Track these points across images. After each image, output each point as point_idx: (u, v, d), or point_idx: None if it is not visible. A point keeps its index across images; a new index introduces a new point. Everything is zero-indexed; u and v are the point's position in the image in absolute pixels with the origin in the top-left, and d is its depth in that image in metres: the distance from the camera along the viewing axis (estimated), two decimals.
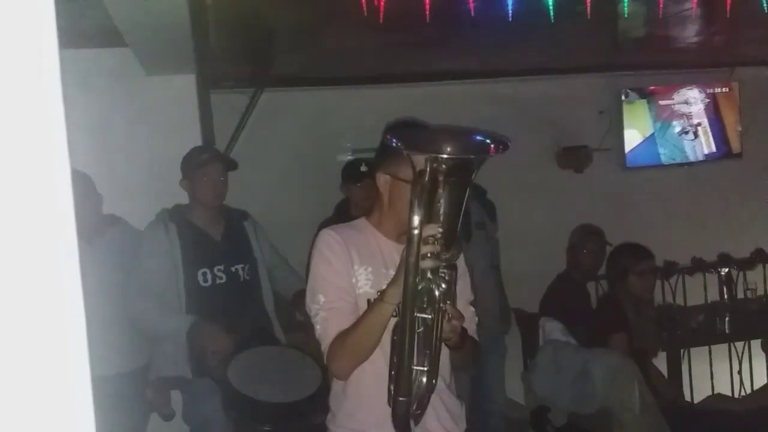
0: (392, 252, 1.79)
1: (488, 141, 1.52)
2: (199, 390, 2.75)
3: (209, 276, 2.84)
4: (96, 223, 2.94)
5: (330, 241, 1.78)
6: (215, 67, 3.98)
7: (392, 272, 1.74)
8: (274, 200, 4.42)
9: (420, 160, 1.50)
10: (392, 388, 1.60)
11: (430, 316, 1.53)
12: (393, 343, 1.63)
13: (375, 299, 1.71)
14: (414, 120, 2.11)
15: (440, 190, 1.48)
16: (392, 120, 2.20)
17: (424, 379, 1.59)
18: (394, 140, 1.58)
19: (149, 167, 3.35)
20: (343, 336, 1.70)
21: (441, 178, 1.47)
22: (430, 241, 1.49)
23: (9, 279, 0.52)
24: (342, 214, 3.43)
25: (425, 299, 1.52)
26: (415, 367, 1.57)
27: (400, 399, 1.57)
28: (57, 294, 0.54)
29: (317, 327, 1.76)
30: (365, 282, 1.77)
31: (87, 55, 3.29)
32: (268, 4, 3.00)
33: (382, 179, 1.79)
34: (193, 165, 2.89)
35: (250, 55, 4.17)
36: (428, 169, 1.46)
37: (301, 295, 3.04)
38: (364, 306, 1.75)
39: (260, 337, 2.83)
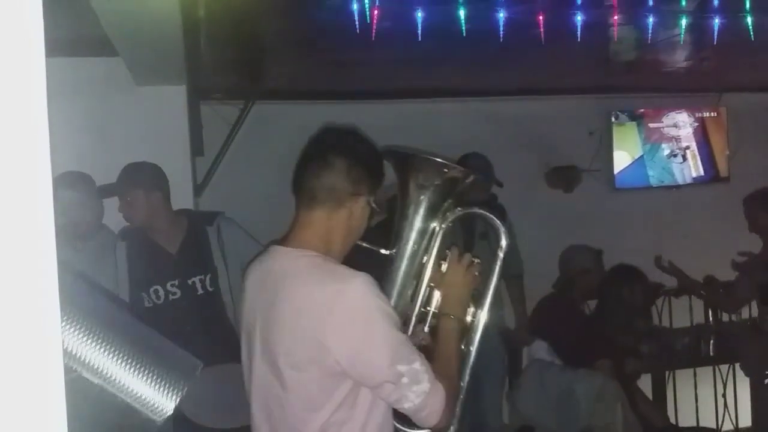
0: None
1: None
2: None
3: (161, 292, 2.75)
4: (91, 231, 2.88)
5: (380, 291, 1.50)
6: (206, 78, 3.98)
7: None
8: (262, 212, 4.39)
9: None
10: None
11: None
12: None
13: (442, 327, 1.63)
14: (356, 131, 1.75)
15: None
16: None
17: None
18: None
19: None
20: (446, 387, 1.50)
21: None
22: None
23: None
24: None
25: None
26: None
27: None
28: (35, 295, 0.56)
29: (417, 401, 1.45)
30: None
31: (76, 64, 3.27)
32: (260, 17, 3.00)
33: (362, 202, 1.59)
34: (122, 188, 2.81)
35: (241, 67, 4.17)
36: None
37: None
38: None
39: (220, 353, 2.44)
